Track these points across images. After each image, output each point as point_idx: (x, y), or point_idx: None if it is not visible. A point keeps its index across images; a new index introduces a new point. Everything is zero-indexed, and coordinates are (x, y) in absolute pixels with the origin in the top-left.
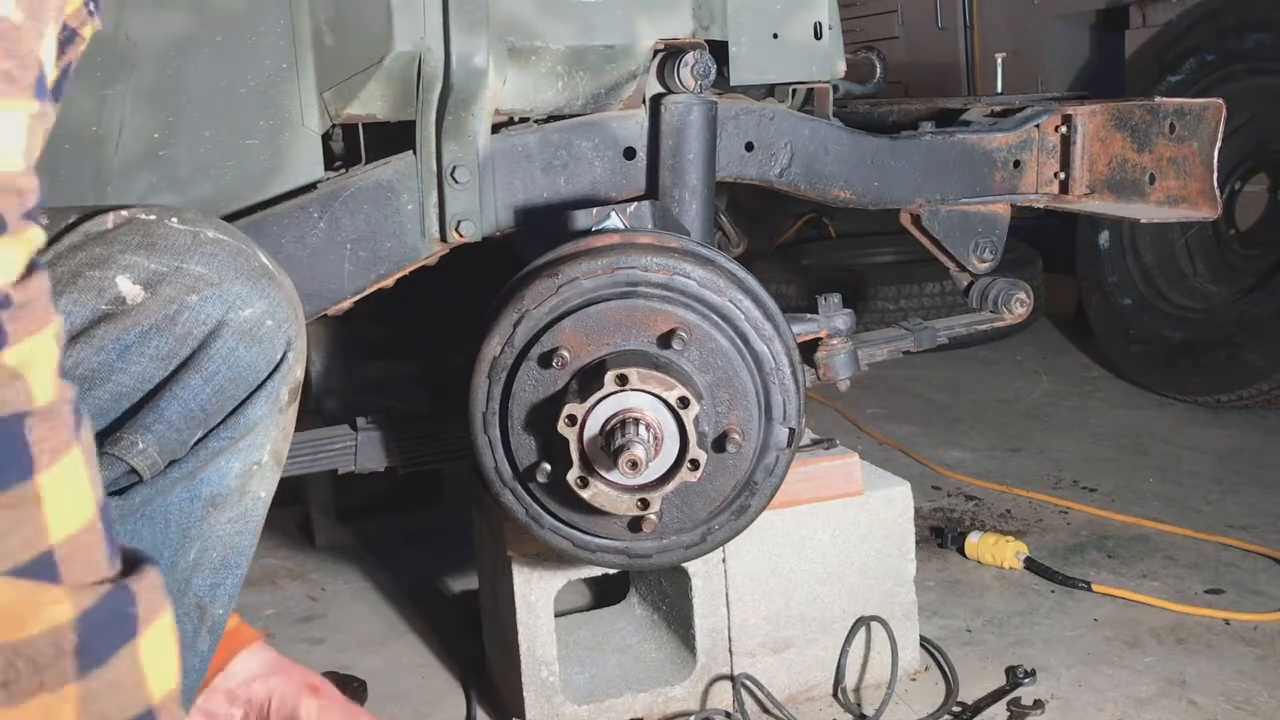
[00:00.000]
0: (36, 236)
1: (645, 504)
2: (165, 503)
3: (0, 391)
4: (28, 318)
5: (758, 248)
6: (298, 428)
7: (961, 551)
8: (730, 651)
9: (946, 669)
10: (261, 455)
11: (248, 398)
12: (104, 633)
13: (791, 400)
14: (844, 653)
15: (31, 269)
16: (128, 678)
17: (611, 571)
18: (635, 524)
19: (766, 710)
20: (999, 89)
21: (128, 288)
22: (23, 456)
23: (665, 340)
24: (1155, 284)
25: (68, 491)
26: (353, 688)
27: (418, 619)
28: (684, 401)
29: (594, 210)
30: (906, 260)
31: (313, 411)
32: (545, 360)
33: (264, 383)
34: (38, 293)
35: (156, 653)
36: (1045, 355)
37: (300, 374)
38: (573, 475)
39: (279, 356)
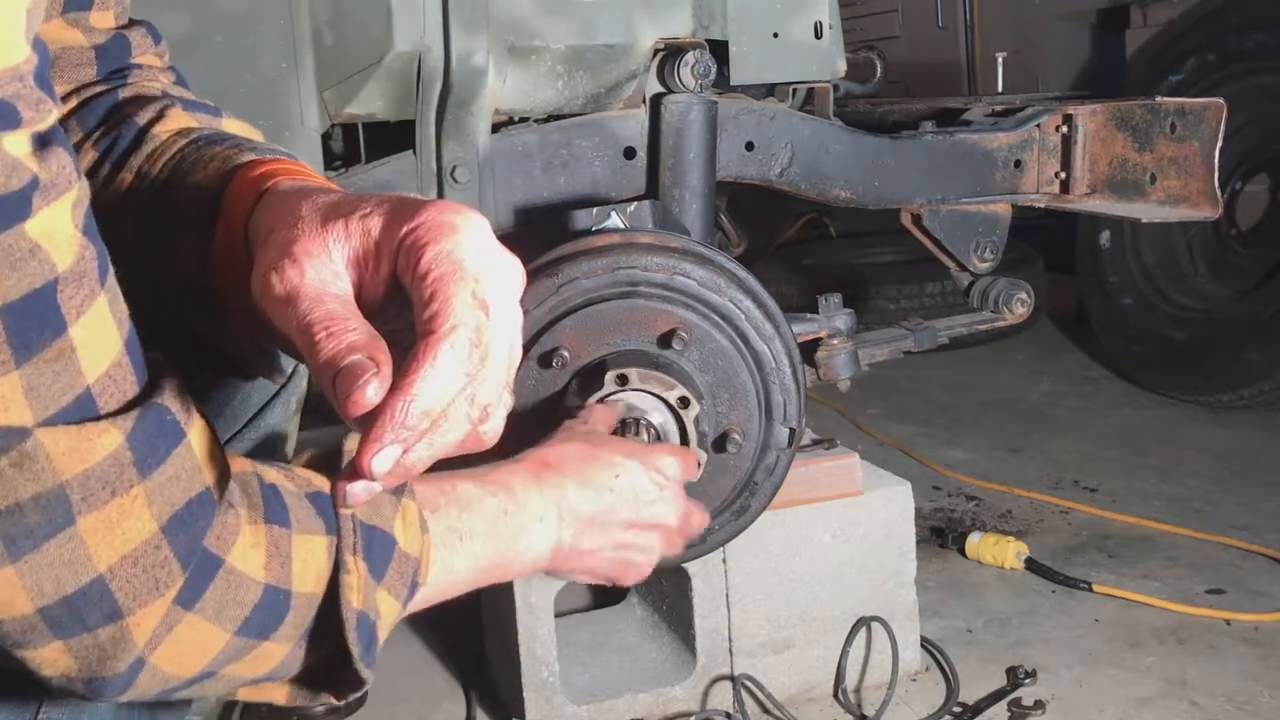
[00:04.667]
0: (50, 111)
1: None
2: None
3: (24, 266)
4: (54, 192)
5: (758, 248)
6: (300, 427)
7: (962, 552)
8: (730, 652)
9: (947, 669)
10: (274, 459)
11: (261, 409)
12: (153, 441)
13: (792, 400)
14: (844, 653)
15: (50, 141)
16: (184, 469)
17: None
18: None
19: (767, 711)
20: (1000, 88)
21: None
22: (55, 318)
23: (665, 340)
24: (1156, 284)
25: (96, 336)
26: None
27: (418, 619)
28: (684, 401)
29: (594, 210)
30: (907, 260)
31: (313, 412)
32: (545, 360)
33: (277, 394)
34: (60, 166)
35: (202, 446)
36: (1046, 355)
37: (304, 385)
38: None
39: (290, 370)
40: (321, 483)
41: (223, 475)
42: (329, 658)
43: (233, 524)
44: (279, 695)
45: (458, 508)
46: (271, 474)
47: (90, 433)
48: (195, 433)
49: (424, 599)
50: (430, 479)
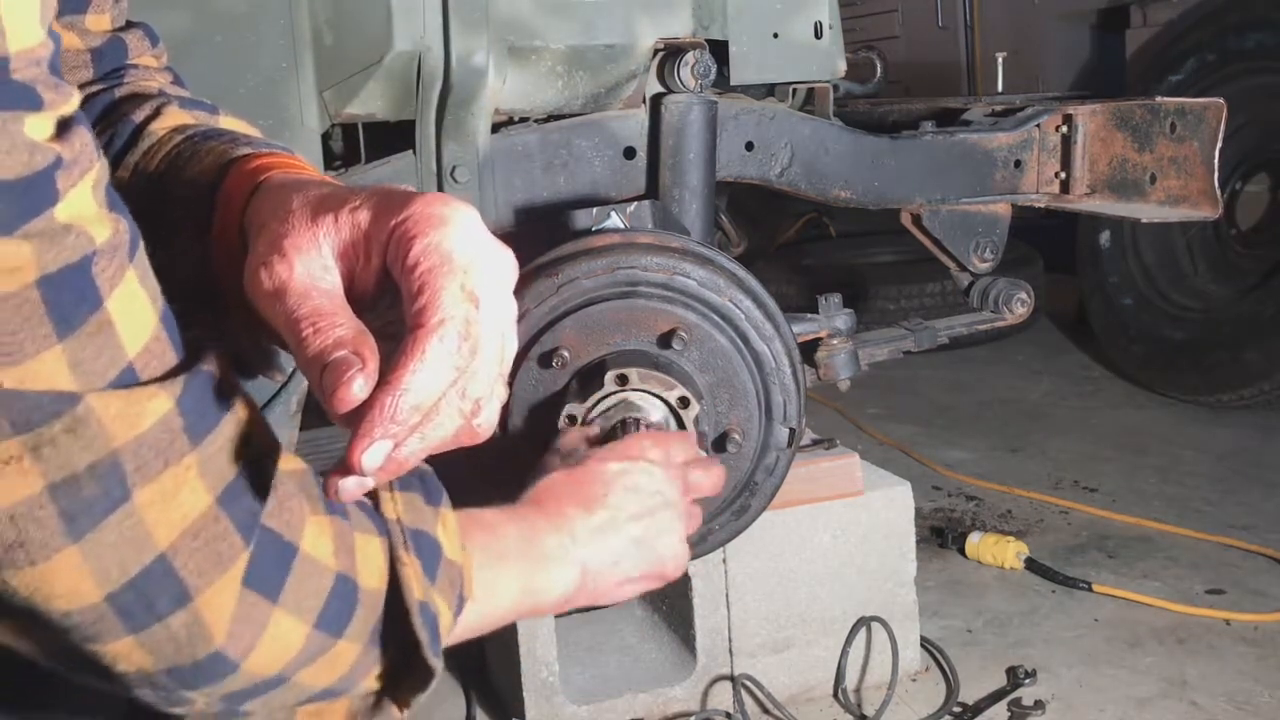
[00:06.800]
0: (70, 95)
1: None
2: None
3: (60, 244)
4: (76, 171)
5: (758, 248)
6: (301, 427)
7: (962, 552)
8: (730, 652)
9: (947, 669)
10: None
11: (261, 409)
12: (201, 408)
13: (792, 400)
14: (844, 653)
15: (71, 123)
16: (234, 438)
17: None
18: None
19: (767, 711)
20: (999, 89)
21: None
22: (91, 291)
23: (665, 340)
24: (1156, 284)
25: (131, 309)
26: None
27: None
28: (684, 401)
29: (594, 210)
30: (907, 260)
31: (313, 411)
32: (545, 360)
33: (277, 394)
34: (82, 145)
35: (250, 417)
36: (1046, 355)
37: (305, 386)
38: None
39: (290, 369)
40: None
41: (271, 449)
42: (391, 665)
43: (299, 510)
44: (338, 716)
45: (485, 531)
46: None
47: (139, 396)
48: (242, 404)
49: (471, 619)
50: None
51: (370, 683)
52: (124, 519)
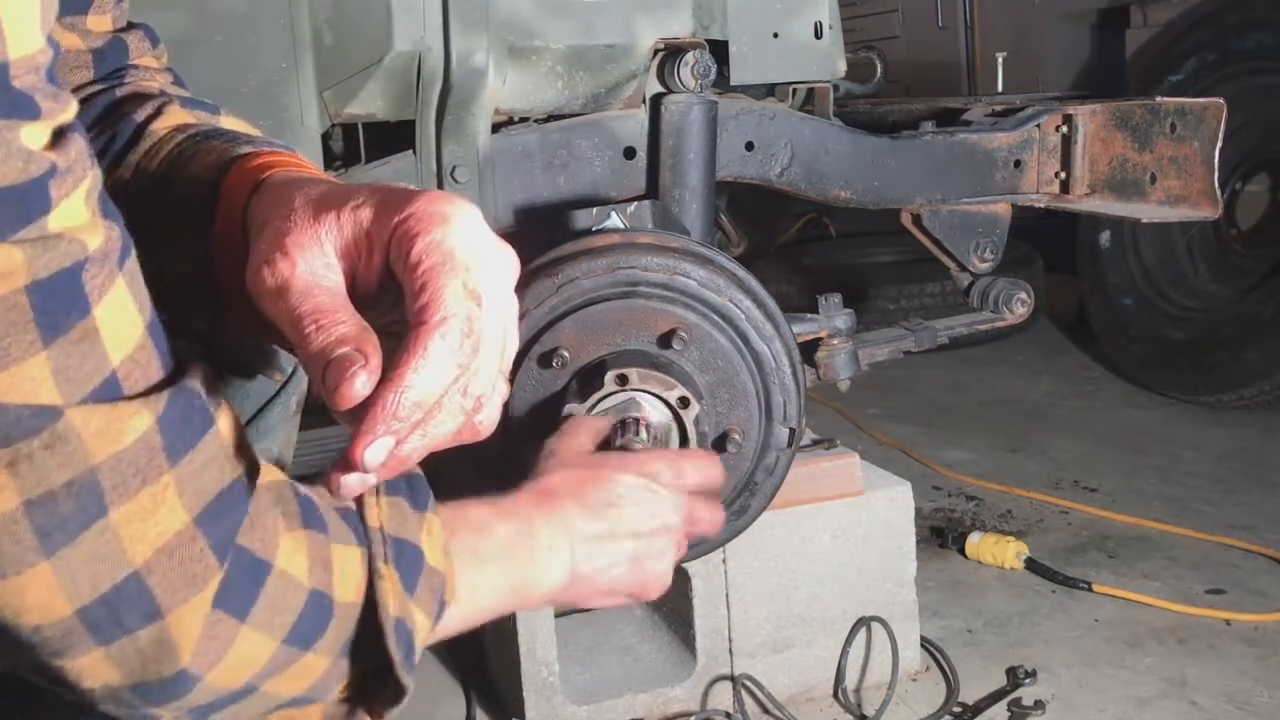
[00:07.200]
0: (69, 104)
1: None
2: None
3: (53, 250)
4: (70, 180)
5: (758, 248)
6: (301, 427)
7: (962, 552)
8: (730, 652)
9: (947, 669)
10: (269, 460)
11: (261, 409)
12: (182, 426)
13: (792, 400)
14: (844, 653)
15: (67, 131)
16: (214, 457)
17: None
18: None
19: (767, 711)
20: (999, 88)
21: None
22: (80, 298)
23: (665, 340)
24: (1156, 284)
25: (118, 317)
26: None
27: None
28: (684, 401)
29: (594, 210)
30: (907, 260)
31: (314, 411)
32: (545, 360)
33: (277, 394)
34: (77, 154)
35: (231, 436)
36: (1046, 355)
37: (305, 385)
38: None
39: (290, 369)
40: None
41: (252, 468)
42: (364, 676)
43: (273, 526)
44: None
45: (474, 532)
46: (302, 487)
47: (121, 413)
48: (224, 421)
49: (453, 621)
50: (444, 505)
51: (341, 691)
52: (99, 536)
